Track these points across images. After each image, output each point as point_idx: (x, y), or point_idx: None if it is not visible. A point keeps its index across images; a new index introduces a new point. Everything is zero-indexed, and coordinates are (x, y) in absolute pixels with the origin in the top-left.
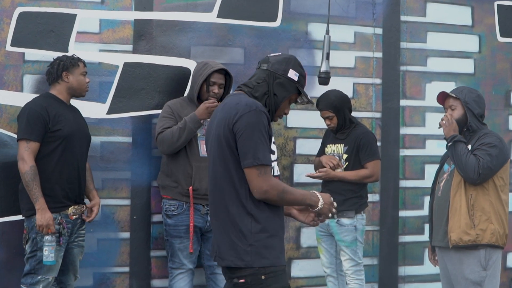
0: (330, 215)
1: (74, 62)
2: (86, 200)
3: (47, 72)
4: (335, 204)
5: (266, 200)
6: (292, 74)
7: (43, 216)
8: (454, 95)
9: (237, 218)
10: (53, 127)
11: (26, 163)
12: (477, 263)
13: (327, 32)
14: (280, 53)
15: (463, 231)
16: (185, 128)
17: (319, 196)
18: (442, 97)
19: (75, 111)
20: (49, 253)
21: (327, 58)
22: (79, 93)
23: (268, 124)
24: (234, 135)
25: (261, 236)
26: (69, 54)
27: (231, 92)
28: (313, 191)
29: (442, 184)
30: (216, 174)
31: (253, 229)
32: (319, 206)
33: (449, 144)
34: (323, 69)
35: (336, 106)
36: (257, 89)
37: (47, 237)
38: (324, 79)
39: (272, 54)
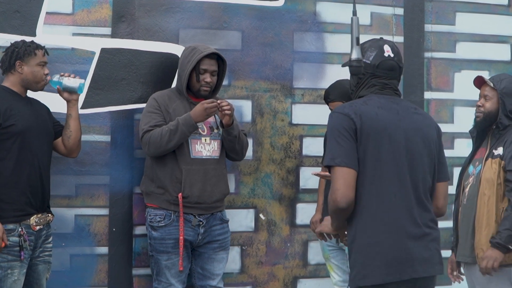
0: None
1: (30, 50)
2: (55, 210)
3: (0, 60)
4: None
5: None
6: None
7: None
8: (491, 84)
9: None
10: (4, 123)
11: None
12: (507, 282)
13: (354, 13)
14: None
15: None
16: (177, 130)
17: None
18: (479, 82)
19: (33, 103)
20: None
21: (358, 43)
22: (34, 87)
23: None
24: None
25: None
26: (36, 39)
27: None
28: None
29: (467, 189)
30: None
31: None
32: None
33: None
34: (354, 56)
35: (351, 96)
36: None
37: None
38: (356, 68)
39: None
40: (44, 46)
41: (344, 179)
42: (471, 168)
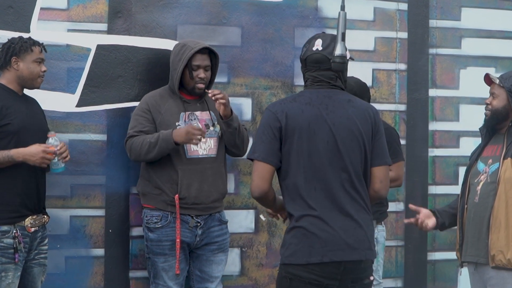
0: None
1: (26, 46)
2: (50, 210)
3: None
4: None
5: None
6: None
7: None
8: (498, 82)
9: None
10: (0, 121)
11: None
12: None
13: (343, 7)
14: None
15: None
16: (156, 144)
17: None
18: (489, 79)
19: (30, 102)
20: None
21: (343, 39)
22: (30, 84)
23: None
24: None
25: None
26: (30, 35)
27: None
28: None
29: (479, 187)
30: None
31: None
32: None
33: None
34: (337, 52)
35: (356, 93)
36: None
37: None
38: (339, 64)
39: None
40: (42, 43)
41: (259, 172)
42: (481, 166)
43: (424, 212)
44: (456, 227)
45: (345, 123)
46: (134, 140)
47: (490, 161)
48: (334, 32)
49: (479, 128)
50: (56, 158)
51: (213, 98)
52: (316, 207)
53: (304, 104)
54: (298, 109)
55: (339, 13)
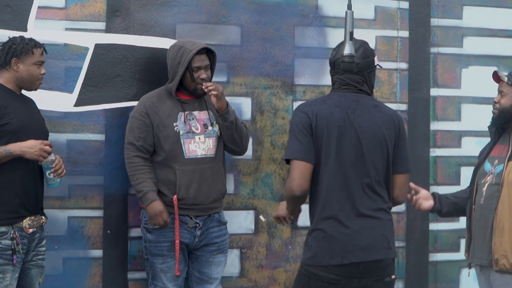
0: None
1: (27, 48)
2: (48, 211)
3: None
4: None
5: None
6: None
7: None
8: (506, 80)
9: None
10: None
11: None
12: None
13: (349, 6)
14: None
15: None
16: (136, 192)
17: None
18: (498, 77)
19: (28, 102)
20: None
21: (351, 38)
22: (29, 86)
23: None
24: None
25: None
26: (28, 34)
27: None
28: None
29: (485, 188)
30: None
31: None
32: None
33: None
34: (346, 51)
35: None
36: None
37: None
38: (348, 64)
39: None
40: (43, 44)
41: (300, 171)
42: (487, 166)
43: (423, 193)
44: (451, 221)
45: (371, 127)
46: (128, 160)
47: (496, 161)
48: (335, 30)
49: (488, 127)
50: (51, 174)
51: (205, 89)
52: (336, 210)
53: (333, 107)
54: (327, 111)
55: (346, 12)
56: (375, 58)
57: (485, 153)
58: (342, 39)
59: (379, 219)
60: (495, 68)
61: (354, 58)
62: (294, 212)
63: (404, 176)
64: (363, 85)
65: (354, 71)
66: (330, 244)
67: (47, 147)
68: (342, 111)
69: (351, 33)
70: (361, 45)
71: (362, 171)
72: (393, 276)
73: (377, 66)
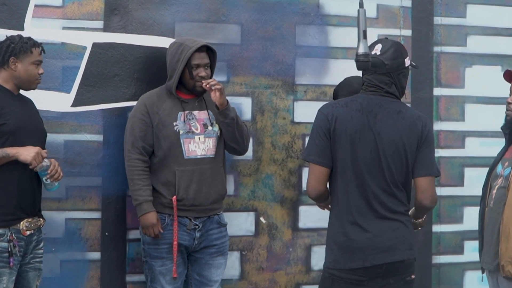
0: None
1: (26, 47)
2: (45, 213)
3: None
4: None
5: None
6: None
7: None
8: None
9: None
10: None
11: None
12: None
13: (361, 4)
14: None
15: None
16: (132, 199)
17: None
18: (510, 76)
19: (26, 102)
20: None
21: (365, 37)
22: (27, 86)
23: None
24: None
25: None
26: (25, 33)
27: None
28: None
29: (495, 191)
30: None
31: None
32: None
33: None
34: (361, 50)
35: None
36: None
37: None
38: (363, 63)
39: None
40: (41, 44)
41: (314, 175)
42: (499, 168)
43: None
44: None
45: (390, 134)
46: (128, 164)
47: (507, 164)
48: (337, 29)
49: (501, 127)
50: (48, 180)
51: (207, 86)
52: (355, 213)
53: (354, 111)
54: (347, 115)
55: (358, 10)
56: (406, 60)
57: (500, 155)
58: (343, 38)
59: (398, 221)
60: (499, 68)
61: (369, 57)
62: (325, 204)
63: (427, 179)
64: (391, 86)
65: (382, 72)
66: (351, 248)
67: (43, 152)
68: (362, 115)
69: (365, 32)
70: (392, 45)
71: (378, 176)
72: (412, 276)
73: (410, 66)
